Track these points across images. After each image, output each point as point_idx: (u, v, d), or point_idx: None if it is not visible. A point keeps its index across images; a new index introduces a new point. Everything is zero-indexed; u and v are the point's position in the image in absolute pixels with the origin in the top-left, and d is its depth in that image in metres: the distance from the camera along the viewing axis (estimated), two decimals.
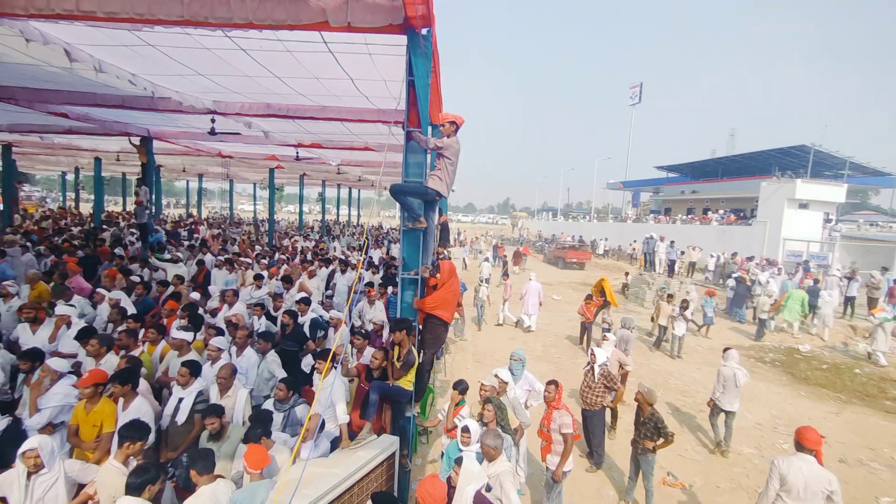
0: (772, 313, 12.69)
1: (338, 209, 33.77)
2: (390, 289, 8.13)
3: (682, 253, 21.39)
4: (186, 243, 13.24)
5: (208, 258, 10.62)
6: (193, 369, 4.21)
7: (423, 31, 4.60)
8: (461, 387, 4.62)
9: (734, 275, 15.40)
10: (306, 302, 6.70)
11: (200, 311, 6.39)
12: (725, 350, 6.62)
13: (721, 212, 29.35)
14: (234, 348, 5.24)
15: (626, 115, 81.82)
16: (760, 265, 16.78)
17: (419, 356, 4.71)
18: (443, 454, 4.33)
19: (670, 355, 10.52)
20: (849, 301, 14.22)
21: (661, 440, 4.92)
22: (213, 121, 8.80)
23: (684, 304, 10.46)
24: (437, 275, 4.67)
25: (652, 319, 11.37)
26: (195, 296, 7.38)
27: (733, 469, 6.16)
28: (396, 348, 4.59)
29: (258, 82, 6.77)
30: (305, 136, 11.06)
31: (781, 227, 21.06)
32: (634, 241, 28.59)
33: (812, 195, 21.64)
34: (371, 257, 13.36)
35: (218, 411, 3.91)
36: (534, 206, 75.80)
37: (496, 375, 4.89)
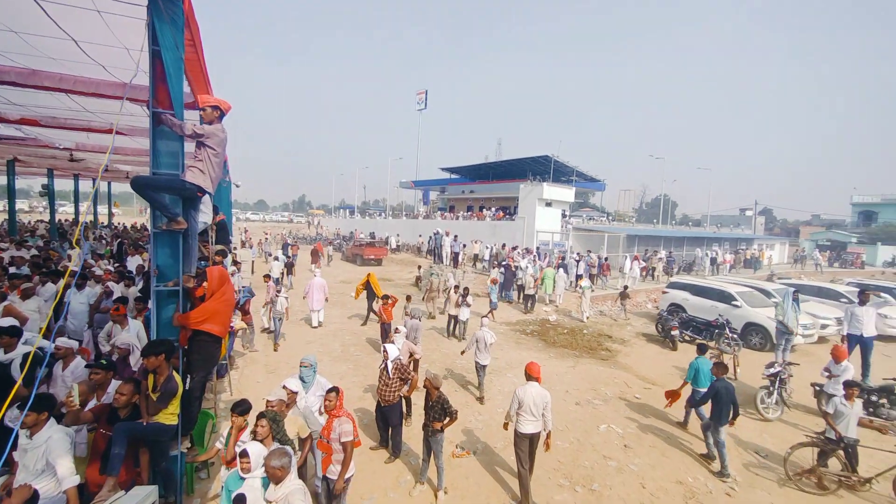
0: (535, 288, 15.47)
1: (76, 206, 26.49)
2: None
3: (465, 246, 24.08)
4: None
5: None
6: None
7: None
8: (240, 409, 4.05)
9: (503, 262, 18.13)
10: (12, 332, 4.93)
11: None
12: (483, 317, 8.35)
13: (493, 209, 34.22)
14: None
15: (415, 119, 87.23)
16: (521, 253, 20.18)
17: (186, 382, 3.97)
18: (223, 488, 3.75)
19: (458, 338, 11.72)
20: (578, 277, 18.32)
21: (448, 419, 5.35)
22: None
23: (465, 292, 11.75)
24: (204, 283, 3.99)
25: (442, 311, 12.33)
26: None
27: (507, 432, 7.17)
28: (151, 377, 3.75)
29: None
30: (9, 108, 8.19)
31: (535, 222, 25.81)
32: (420, 237, 31.29)
33: (554, 196, 27.14)
34: (125, 265, 10.87)
35: None
36: (331, 203, 74.48)
37: (284, 387, 4.50)
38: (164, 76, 3.86)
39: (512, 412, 5.33)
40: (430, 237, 23.27)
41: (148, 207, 4.26)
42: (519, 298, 16.82)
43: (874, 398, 7.65)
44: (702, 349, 7.23)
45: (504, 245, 23.12)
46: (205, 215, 5.25)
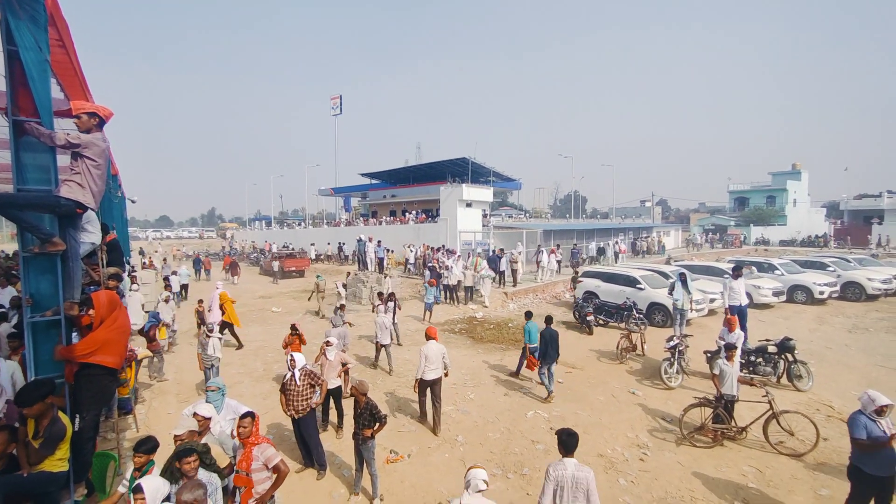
0: (474, 277, 16.65)
1: None
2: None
3: (389, 251, 23.89)
4: None
5: None
6: None
7: None
8: (145, 447, 3.61)
9: (429, 264, 18.27)
10: None
11: None
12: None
13: (415, 212, 34.33)
14: None
15: (330, 125, 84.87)
16: (445, 254, 20.48)
17: (75, 422, 3.53)
18: None
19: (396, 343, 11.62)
20: (500, 273, 18.99)
21: (378, 424, 5.29)
22: None
23: (391, 297, 11.71)
24: (91, 311, 3.58)
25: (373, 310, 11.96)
26: None
27: (438, 428, 7.25)
28: (31, 422, 3.29)
29: None
30: None
31: (457, 223, 26.32)
32: (341, 243, 31.93)
33: (473, 196, 27.94)
34: None
35: None
36: (245, 215, 70.14)
37: (194, 414, 4.16)
38: (25, 80, 3.41)
39: (421, 366, 7.01)
40: (357, 243, 22.88)
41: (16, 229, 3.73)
42: (446, 298, 17.05)
43: (752, 358, 8.81)
44: (528, 315, 9.20)
45: (430, 247, 23.30)
46: (91, 235, 4.72)
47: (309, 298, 17.43)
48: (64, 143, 3.45)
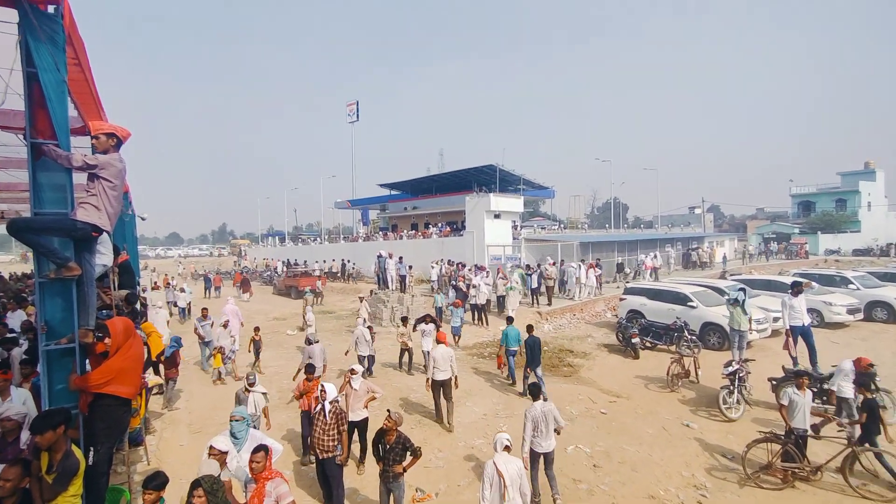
0: (506, 287, 16.82)
1: None
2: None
3: (411, 268, 24.07)
4: None
5: None
6: None
7: (50, 9, 3.68)
8: (154, 483, 3.68)
9: (453, 282, 18.30)
10: None
11: None
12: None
13: (439, 225, 34.55)
14: None
15: (347, 133, 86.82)
16: (473, 271, 20.48)
17: (88, 456, 3.66)
18: None
19: (406, 371, 11.70)
20: (534, 292, 18.82)
21: (412, 458, 5.28)
22: None
23: (426, 319, 11.93)
24: (107, 339, 3.75)
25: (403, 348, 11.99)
26: None
27: (469, 464, 7.18)
28: (45, 455, 3.44)
29: None
30: None
31: (485, 236, 26.33)
32: (345, 260, 33.19)
33: (502, 207, 27.88)
34: (5, 323, 9.87)
35: None
36: (257, 230, 72.06)
37: (210, 447, 4.26)
38: (43, 101, 3.65)
39: (430, 368, 8.40)
40: (374, 261, 23.18)
41: (31, 252, 3.96)
42: (474, 319, 17.00)
43: (826, 387, 8.41)
44: (509, 320, 11.08)
45: (455, 262, 23.35)
46: (103, 257, 4.95)
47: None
48: (81, 165, 3.66)
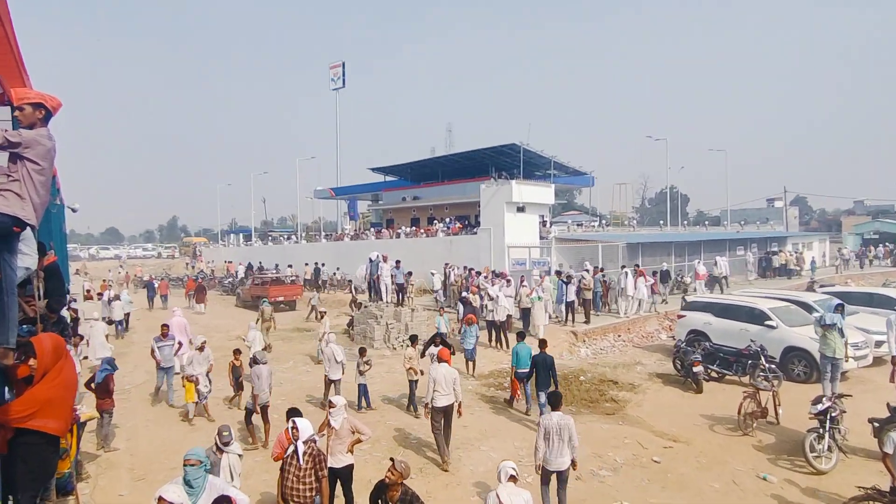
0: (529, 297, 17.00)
1: None
2: None
3: (410, 274, 24.15)
4: None
5: None
6: None
7: None
8: None
9: (462, 294, 18.34)
10: None
11: None
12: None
13: (446, 220, 34.67)
14: None
15: (330, 103, 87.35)
16: (489, 279, 20.53)
17: None
18: None
19: (413, 413, 11.71)
20: (569, 306, 18.81)
21: None
22: None
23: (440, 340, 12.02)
24: (32, 360, 3.80)
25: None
26: None
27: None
28: None
29: None
30: None
31: (504, 234, 26.38)
32: (318, 264, 33.88)
33: (527, 197, 27.93)
34: None
35: None
36: (216, 226, 72.71)
37: (160, 499, 4.32)
38: None
39: (430, 391, 8.66)
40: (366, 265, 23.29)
41: None
42: (491, 339, 17.02)
43: None
44: (520, 336, 11.76)
45: (465, 268, 23.41)
46: (27, 258, 5.02)
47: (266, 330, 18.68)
48: (1, 143, 3.72)
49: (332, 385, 11.61)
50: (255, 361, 9.92)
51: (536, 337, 16.41)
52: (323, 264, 33.93)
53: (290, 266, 36.38)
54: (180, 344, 12.84)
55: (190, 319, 15.75)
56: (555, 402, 6.91)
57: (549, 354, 10.48)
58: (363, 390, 11.64)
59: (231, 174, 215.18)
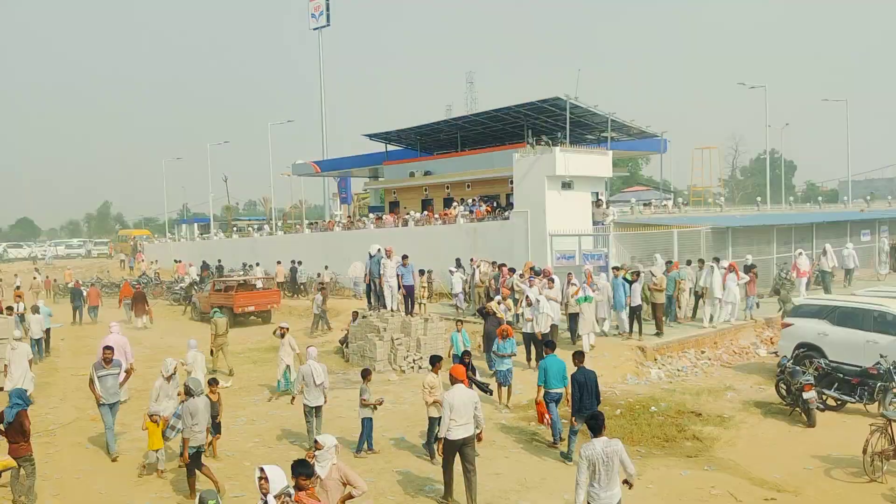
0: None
1: None
2: None
3: (423, 273, 24.24)
4: None
5: None
6: None
7: None
8: None
9: (495, 299, 18.37)
10: None
11: None
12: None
13: (469, 202, 34.58)
14: None
15: (311, 48, 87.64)
16: (527, 278, 20.55)
17: None
18: None
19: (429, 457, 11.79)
20: (634, 313, 18.78)
21: None
22: None
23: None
24: None
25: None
26: None
27: None
28: None
29: None
30: None
31: (546, 218, 26.24)
32: (294, 262, 34.87)
33: (575, 169, 27.73)
34: None
35: None
36: (163, 214, 73.45)
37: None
38: None
39: (445, 420, 8.85)
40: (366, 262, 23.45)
41: None
42: (530, 357, 17.04)
43: None
44: (548, 346, 12.27)
45: (494, 264, 23.45)
46: None
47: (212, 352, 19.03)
48: None
49: (313, 414, 11.81)
50: (188, 393, 9.99)
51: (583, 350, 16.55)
52: (299, 262, 34.33)
53: (256, 265, 36.71)
54: (127, 373, 13.05)
55: (130, 338, 15.92)
56: (597, 427, 7.03)
57: (592, 370, 10.81)
58: (367, 427, 11.61)
59: (182, 145, 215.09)
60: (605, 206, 29.52)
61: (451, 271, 24.55)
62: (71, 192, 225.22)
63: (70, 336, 25.81)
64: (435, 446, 10.18)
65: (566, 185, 26.87)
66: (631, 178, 60.53)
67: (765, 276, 24.62)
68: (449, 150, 42.29)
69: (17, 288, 31.82)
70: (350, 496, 6.94)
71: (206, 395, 10.92)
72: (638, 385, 15.51)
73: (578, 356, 10.98)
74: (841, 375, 13.11)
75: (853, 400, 12.82)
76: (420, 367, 17.63)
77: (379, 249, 20.58)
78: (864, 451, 10.10)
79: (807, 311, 16.00)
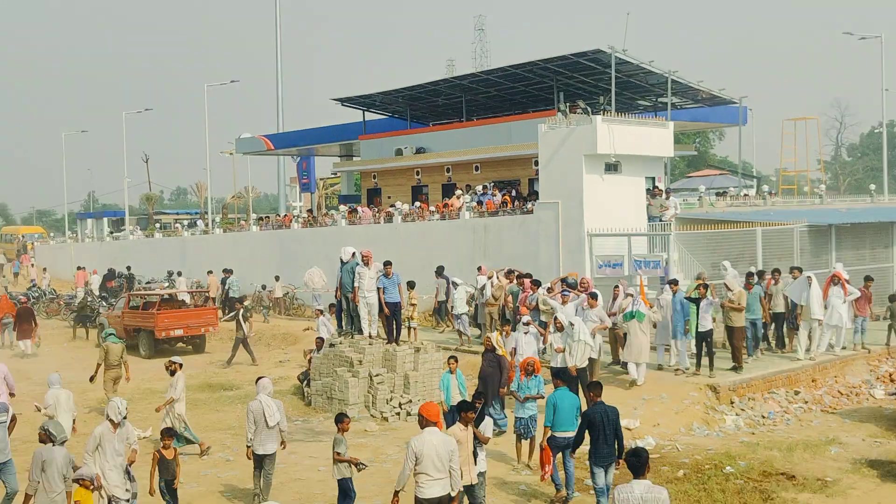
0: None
1: None
2: None
3: (413, 287, 24.16)
4: None
5: None
6: None
7: None
8: None
9: (516, 323, 18.31)
10: None
11: None
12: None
13: (478, 189, 34.46)
14: None
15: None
16: (557, 292, 20.51)
17: None
18: None
19: None
20: (703, 341, 18.71)
21: None
22: None
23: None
24: None
25: None
26: None
27: None
28: None
29: None
30: None
31: (584, 212, 26.18)
32: (226, 273, 34.86)
33: (624, 146, 27.63)
34: None
35: None
36: (62, 206, 73.54)
37: None
38: None
39: (406, 472, 8.73)
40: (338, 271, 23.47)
41: None
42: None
43: None
44: (559, 377, 12.88)
45: (513, 273, 23.40)
46: None
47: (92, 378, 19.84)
48: None
49: (262, 465, 11.94)
50: (48, 438, 9.61)
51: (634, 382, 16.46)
52: (230, 271, 34.44)
53: (178, 273, 36.72)
54: (14, 419, 12.94)
55: (13, 369, 15.88)
56: (639, 466, 7.09)
57: (613, 406, 10.88)
58: (345, 488, 11.46)
59: (86, 115, 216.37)
60: (663, 195, 29.51)
61: (455, 283, 24.47)
62: None
63: None
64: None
65: (611, 168, 26.93)
66: (699, 159, 60.54)
67: (882, 291, 24.58)
68: (450, 120, 42.33)
69: None
70: None
71: (133, 449, 10.80)
72: (708, 437, 15.41)
73: (595, 388, 11.27)
74: None
75: None
76: (409, 414, 17.43)
77: (353, 254, 20.59)
78: None
79: None
